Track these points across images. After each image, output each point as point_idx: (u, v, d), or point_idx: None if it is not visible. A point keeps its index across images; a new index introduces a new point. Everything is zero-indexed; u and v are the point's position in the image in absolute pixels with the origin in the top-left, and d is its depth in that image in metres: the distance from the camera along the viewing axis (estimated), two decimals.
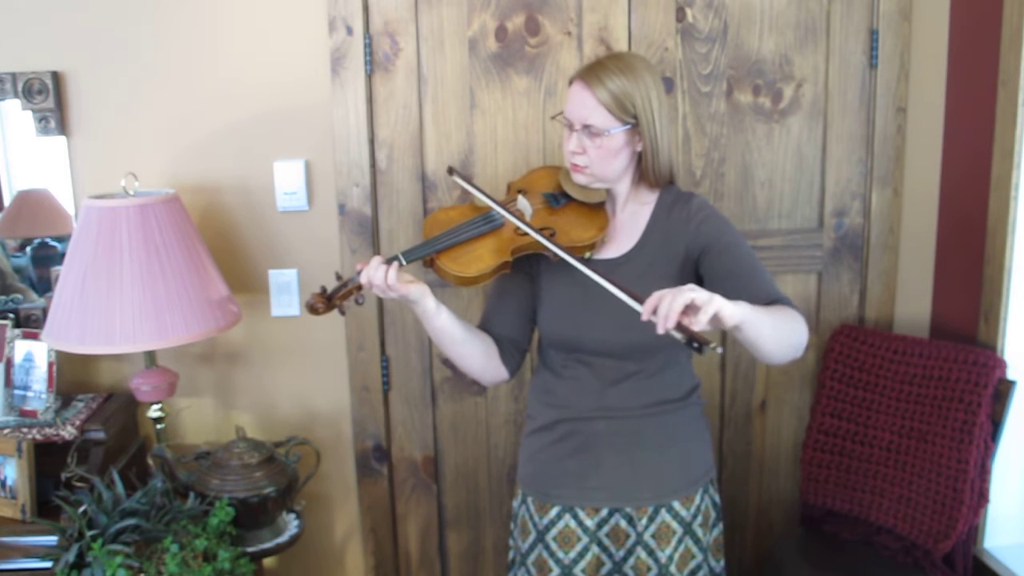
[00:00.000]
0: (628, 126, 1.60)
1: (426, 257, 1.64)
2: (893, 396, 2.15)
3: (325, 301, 1.61)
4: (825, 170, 2.27)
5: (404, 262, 1.60)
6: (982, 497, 1.99)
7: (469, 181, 1.74)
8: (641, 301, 1.38)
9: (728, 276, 1.61)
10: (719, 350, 1.35)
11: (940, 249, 2.29)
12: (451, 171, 1.76)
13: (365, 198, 2.23)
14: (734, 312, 1.35)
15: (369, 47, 2.18)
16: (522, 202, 1.71)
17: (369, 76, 2.19)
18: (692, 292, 1.32)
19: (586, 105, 1.60)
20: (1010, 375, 2.02)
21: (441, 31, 2.18)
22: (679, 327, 1.32)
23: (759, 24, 2.20)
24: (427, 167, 2.24)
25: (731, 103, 2.23)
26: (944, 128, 2.24)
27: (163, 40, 2.17)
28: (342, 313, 1.64)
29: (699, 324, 1.31)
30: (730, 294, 1.58)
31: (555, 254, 1.61)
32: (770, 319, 1.48)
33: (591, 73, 1.60)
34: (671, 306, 1.30)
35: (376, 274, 1.56)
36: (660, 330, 1.32)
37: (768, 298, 1.59)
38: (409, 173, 2.24)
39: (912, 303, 2.33)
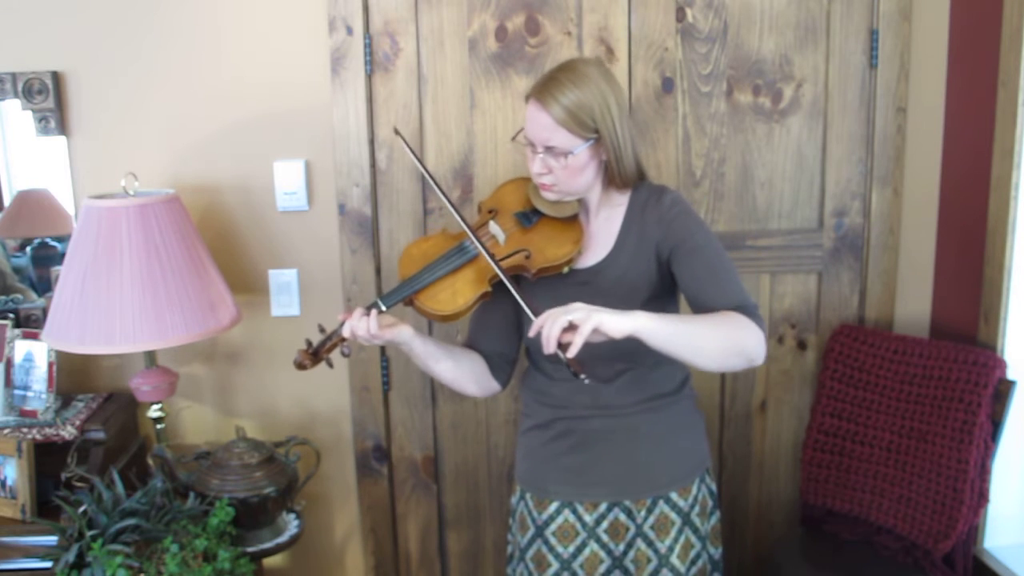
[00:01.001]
0: (591, 141, 1.58)
1: (405, 298, 1.64)
2: (893, 396, 2.15)
3: (312, 356, 1.62)
4: (825, 170, 2.27)
5: (384, 308, 1.61)
6: (982, 497, 1.99)
7: (411, 148, 1.72)
8: (533, 312, 1.44)
9: (694, 279, 1.60)
10: (586, 381, 1.41)
11: (940, 249, 2.29)
12: (396, 132, 1.75)
13: (365, 198, 2.23)
14: (622, 324, 1.38)
15: (369, 47, 2.18)
16: (494, 227, 1.69)
17: (369, 76, 2.19)
18: (570, 313, 1.36)
19: (545, 127, 1.56)
20: (1010, 375, 2.02)
21: (441, 31, 2.18)
22: (561, 346, 1.37)
23: (759, 24, 2.20)
24: (427, 167, 2.24)
25: (731, 103, 2.23)
26: (944, 128, 2.24)
27: (163, 40, 2.17)
28: (330, 366, 1.65)
29: (575, 347, 1.35)
30: (695, 297, 1.60)
31: (530, 278, 1.63)
32: (690, 328, 1.46)
33: (544, 92, 1.57)
34: (550, 330, 1.36)
35: (359, 326, 1.57)
36: (546, 351, 1.38)
37: (730, 304, 1.57)
38: (409, 173, 2.24)
39: (912, 303, 2.33)
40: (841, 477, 2.20)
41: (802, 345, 2.36)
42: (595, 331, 1.37)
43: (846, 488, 2.19)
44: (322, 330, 1.66)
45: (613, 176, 1.64)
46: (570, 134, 1.56)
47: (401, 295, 1.63)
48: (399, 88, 2.20)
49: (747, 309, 1.56)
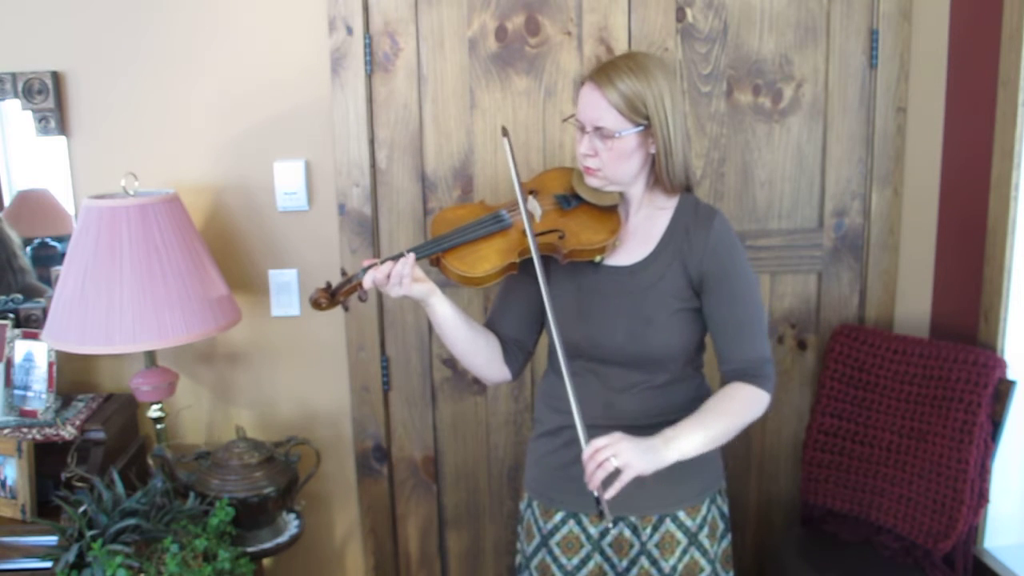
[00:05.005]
0: (640, 128, 1.57)
1: (432, 256, 1.63)
2: (893, 396, 2.15)
3: (329, 296, 1.59)
4: (825, 170, 2.27)
5: None
6: (982, 497, 1.99)
7: (513, 154, 1.69)
8: (588, 433, 1.50)
9: (721, 325, 1.63)
10: (611, 528, 1.59)
11: (940, 249, 2.29)
12: (504, 132, 1.72)
13: (365, 198, 2.23)
14: (660, 464, 1.48)
15: (369, 47, 2.18)
16: (532, 203, 1.69)
17: (369, 76, 2.19)
18: (617, 459, 1.43)
19: (597, 107, 1.56)
20: (1010, 375, 2.02)
21: (441, 31, 2.18)
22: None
23: (759, 24, 2.20)
24: (427, 167, 2.24)
25: (731, 103, 2.23)
26: (944, 128, 2.24)
27: (163, 40, 2.17)
28: (346, 309, 1.64)
29: (614, 490, 1.44)
30: (717, 342, 1.64)
31: (562, 258, 1.61)
32: (715, 431, 1.56)
33: (602, 74, 1.57)
34: (596, 473, 1.44)
35: (394, 267, 1.54)
36: (588, 486, 1.45)
37: (745, 364, 1.61)
38: (409, 173, 2.24)
39: (912, 303, 2.33)
40: (841, 477, 2.20)
41: (802, 345, 2.36)
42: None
43: (846, 488, 2.19)
44: (344, 273, 1.63)
45: (660, 173, 1.62)
46: (620, 116, 1.56)
47: (430, 250, 1.62)
48: (399, 88, 2.20)
49: (758, 372, 1.61)
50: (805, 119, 2.25)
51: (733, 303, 1.61)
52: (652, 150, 1.61)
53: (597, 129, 1.58)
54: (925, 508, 2.04)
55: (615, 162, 1.59)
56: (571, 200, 1.68)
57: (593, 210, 1.67)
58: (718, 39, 2.20)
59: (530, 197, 1.70)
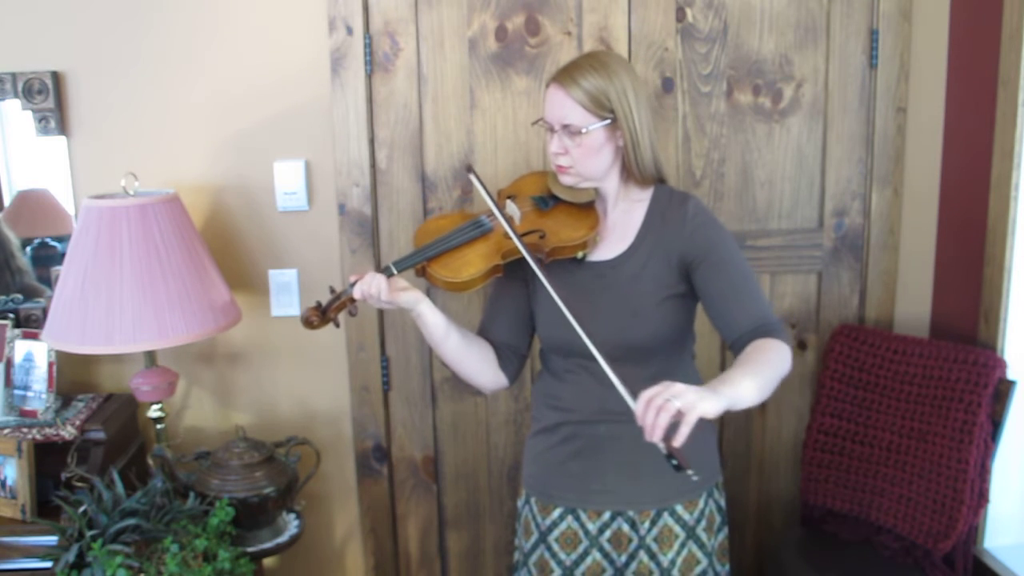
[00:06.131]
0: (606, 121, 1.60)
1: (417, 265, 1.65)
2: (893, 396, 2.15)
3: (320, 315, 1.63)
4: (825, 170, 2.27)
5: (395, 271, 1.63)
6: (982, 497, 1.99)
7: (482, 183, 1.72)
8: (633, 394, 1.36)
9: (718, 295, 1.60)
10: (695, 479, 1.35)
11: (940, 249, 2.29)
12: (470, 169, 1.76)
13: (365, 198, 2.23)
14: (719, 406, 1.33)
15: (369, 47, 2.18)
16: (511, 207, 1.72)
17: (369, 76, 2.19)
18: (678, 399, 1.29)
19: (563, 105, 1.60)
20: (1010, 375, 2.02)
21: (441, 31, 2.18)
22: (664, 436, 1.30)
23: (759, 24, 2.20)
24: (427, 167, 2.24)
25: (731, 103, 2.23)
26: (944, 128, 2.24)
27: (163, 40, 2.17)
28: (336, 325, 1.67)
29: (682, 437, 1.28)
30: (718, 313, 1.60)
31: (536, 271, 1.61)
32: (755, 382, 1.43)
33: (565, 74, 1.61)
34: (657, 419, 1.28)
35: (370, 287, 1.58)
36: (649, 439, 1.30)
37: (755, 322, 1.57)
38: (409, 173, 2.24)
39: (912, 303, 2.33)
40: (841, 477, 2.20)
41: (802, 345, 2.36)
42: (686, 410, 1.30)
43: (846, 488, 2.19)
44: (332, 291, 1.66)
45: (630, 165, 1.65)
46: (586, 112, 1.59)
47: (413, 261, 1.65)
48: (399, 88, 2.20)
49: (772, 327, 1.57)
50: (805, 119, 2.25)
51: (725, 269, 1.61)
52: (620, 143, 1.64)
53: (565, 127, 1.61)
54: (925, 508, 2.04)
55: (585, 158, 1.62)
56: (548, 201, 1.71)
57: (571, 208, 1.70)
58: (718, 39, 2.20)
59: (508, 201, 1.73)
